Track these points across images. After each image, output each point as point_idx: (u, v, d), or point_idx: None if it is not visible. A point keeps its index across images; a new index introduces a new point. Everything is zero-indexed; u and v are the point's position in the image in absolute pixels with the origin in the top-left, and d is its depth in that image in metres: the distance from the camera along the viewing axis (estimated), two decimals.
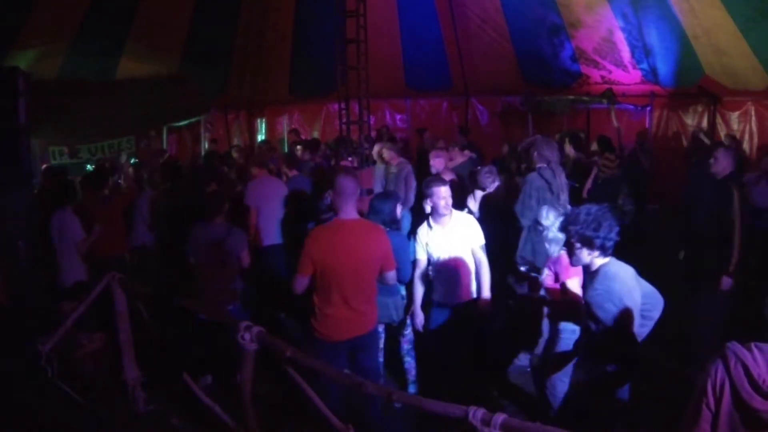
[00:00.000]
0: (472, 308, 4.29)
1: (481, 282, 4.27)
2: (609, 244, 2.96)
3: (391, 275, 3.80)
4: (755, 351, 1.93)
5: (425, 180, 4.45)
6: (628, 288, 2.97)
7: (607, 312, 2.90)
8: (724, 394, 1.95)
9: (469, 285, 4.30)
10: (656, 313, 3.28)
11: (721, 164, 4.62)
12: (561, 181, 4.92)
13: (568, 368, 3.64)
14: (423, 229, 4.34)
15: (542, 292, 4.04)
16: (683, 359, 4.81)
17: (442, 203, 4.17)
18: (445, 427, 2.45)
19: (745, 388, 1.91)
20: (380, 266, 3.71)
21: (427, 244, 4.29)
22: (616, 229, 2.98)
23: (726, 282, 4.56)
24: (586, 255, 3.00)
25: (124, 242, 6.15)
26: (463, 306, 4.30)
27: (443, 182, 4.28)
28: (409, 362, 4.67)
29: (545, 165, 4.94)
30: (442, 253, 4.26)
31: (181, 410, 4.22)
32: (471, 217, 4.48)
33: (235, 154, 9.17)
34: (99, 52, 9.21)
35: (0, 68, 7.01)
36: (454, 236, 4.24)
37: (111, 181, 6.68)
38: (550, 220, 4.08)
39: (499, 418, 2.21)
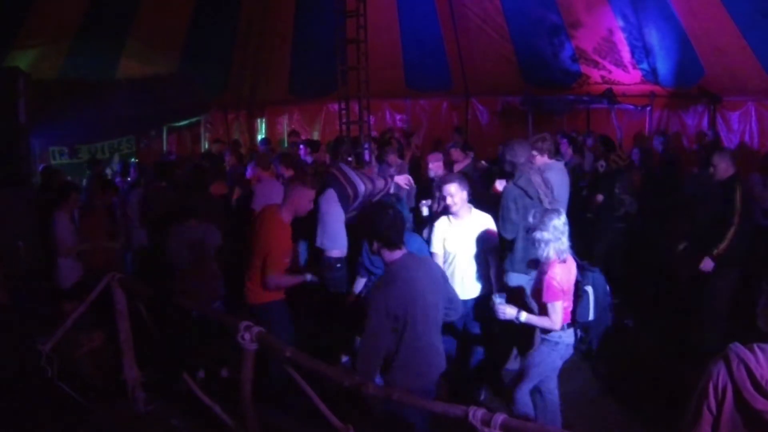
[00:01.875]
0: (481, 306, 4.35)
1: (492, 281, 4.38)
2: (390, 237, 3.13)
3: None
4: (758, 352, 1.91)
5: (439, 178, 4.48)
6: (406, 293, 3.03)
7: (369, 318, 3.01)
8: (726, 395, 1.92)
9: (479, 283, 4.38)
10: (454, 316, 3.47)
11: (722, 169, 4.76)
12: (537, 180, 4.72)
13: (537, 381, 3.68)
14: (442, 223, 4.42)
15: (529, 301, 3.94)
16: (685, 359, 4.82)
17: (448, 200, 4.25)
18: (445, 427, 2.45)
19: (748, 389, 1.88)
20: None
21: (444, 239, 4.37)
22: (397, 225, 3.16)
23: (707, 264, 4.71)
24: (373, 245, 3.19)
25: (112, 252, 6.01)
26: (472, 303, 4.39)
27: (452, 179, 4.32)
28: None
29: (514, 171, 4.82)
30: (457, 249, 4.32)
31: (181, 410, 4.22)
32: (490, 217, 4.47)
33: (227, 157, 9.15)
34: (99, 52, 9.21)
35: (0, 68, 7.02)
36: (471, 233, 4.30)
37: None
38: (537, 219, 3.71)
39: (499, 418, 2.20)
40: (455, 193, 4.24)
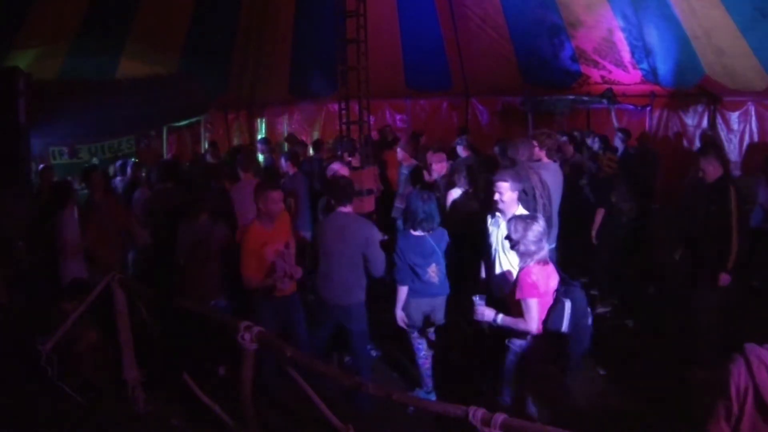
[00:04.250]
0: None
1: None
2: (336, 196, 4.44)
3: None
4: None
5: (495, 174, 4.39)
6: (321, 230, 4.54)
7: None
8: (747, 397, 1.88)
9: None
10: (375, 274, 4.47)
11: (710, 171, 4.72)
12: (534, 179, 4.72)
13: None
14: (489, 218, 4.40)
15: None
16: (683, 359, 4.82)
17: (496, 196, 4.19)
18: (445, 427, 2.45)
19: None
20: None
21: (490, 232, 4.36)
22: (344, 189, 4.44)
23: (724, 279, 4.60)
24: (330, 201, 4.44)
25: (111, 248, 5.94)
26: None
27: (504, 176, 4.21)
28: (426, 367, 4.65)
29: (514, 166, 4.78)
30: (497, 247, 4.29)
31: (181, 410, 4.22)
32: None
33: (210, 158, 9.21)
34: (99, 52, 9.20)
35: (0, 68, 7.02)
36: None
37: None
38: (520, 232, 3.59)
39: (499, 417, 2.20)
40: (504, 192, 4.15)
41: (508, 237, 3.66)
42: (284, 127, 12.51)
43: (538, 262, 3.52)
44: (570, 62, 10.22)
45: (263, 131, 12.52)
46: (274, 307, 4.49)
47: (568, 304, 3.47)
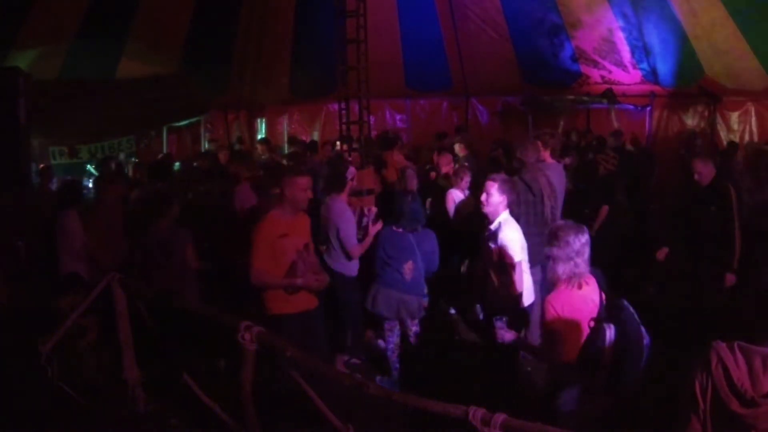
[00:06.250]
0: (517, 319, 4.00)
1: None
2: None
3: None
4: (738, 352, 1.88)
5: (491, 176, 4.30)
6: None
7: None
8: (707, 395, 1.92)
9: (500, 295, 4.08)
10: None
11: (706, 173, 4.77)
12: (542, 182, 4.70)
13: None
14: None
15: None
16: (683, 357, 4.81)
17: (483, 196, 4.07)
18: (445, 427, 2.44)
19: (724, 389, 1.86)
20: None
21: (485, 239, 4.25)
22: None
23: (730, 279, 4.66)
24: None
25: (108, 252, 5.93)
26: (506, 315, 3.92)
27: (495, 179, 4.09)
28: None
29: (523, 167, 4.82)
30: (488, 254, 4.14)
31: (181, 410, 4.22)
32: (516, 236, 4.04)
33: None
34: (99, 52, 9.21)
35: (0, 68, 7.02)
36: (492, 241, 4.04)
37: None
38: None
39: (499, 417, 2.20)
40: (492, 193, 4.00)
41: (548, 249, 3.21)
42: (284, 127, 12.51)
43: (570, 285, 3.07)
44: (570, 62, 10.23)
45: (263, 131, 12.53)
46: (297, 322, 4.05)
47: (609, 331, 3.03)
